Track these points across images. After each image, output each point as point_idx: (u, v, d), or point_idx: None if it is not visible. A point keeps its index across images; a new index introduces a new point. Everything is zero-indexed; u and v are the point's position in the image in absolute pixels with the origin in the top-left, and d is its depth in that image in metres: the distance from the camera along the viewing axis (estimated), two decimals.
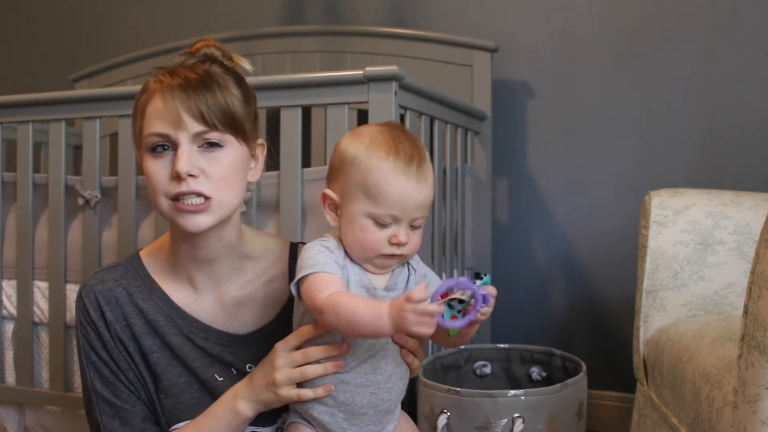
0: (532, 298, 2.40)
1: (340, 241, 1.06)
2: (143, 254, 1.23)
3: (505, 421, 1.47)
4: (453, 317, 0.95)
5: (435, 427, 1.51)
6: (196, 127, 1.08)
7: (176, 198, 1.08)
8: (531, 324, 2.39)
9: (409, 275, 1.08)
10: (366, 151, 1.02)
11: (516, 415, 1.47)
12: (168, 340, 1.16)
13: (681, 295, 1.61)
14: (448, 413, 1.51)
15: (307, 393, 1.05)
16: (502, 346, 1.85)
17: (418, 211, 1.02)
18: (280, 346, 1.08)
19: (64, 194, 1.77)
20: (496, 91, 2.36)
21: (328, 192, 1.06)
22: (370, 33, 2.51)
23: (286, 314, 1.18)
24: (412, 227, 1.03)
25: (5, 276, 1.88)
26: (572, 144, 2.34)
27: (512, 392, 1.48)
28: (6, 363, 1.88)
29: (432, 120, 1.81)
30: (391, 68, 1.48)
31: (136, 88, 1.83)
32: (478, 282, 0.96)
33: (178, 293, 1.19)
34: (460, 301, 0.94)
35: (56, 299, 1.78)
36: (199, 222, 1.09)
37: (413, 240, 1.03)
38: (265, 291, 1.20)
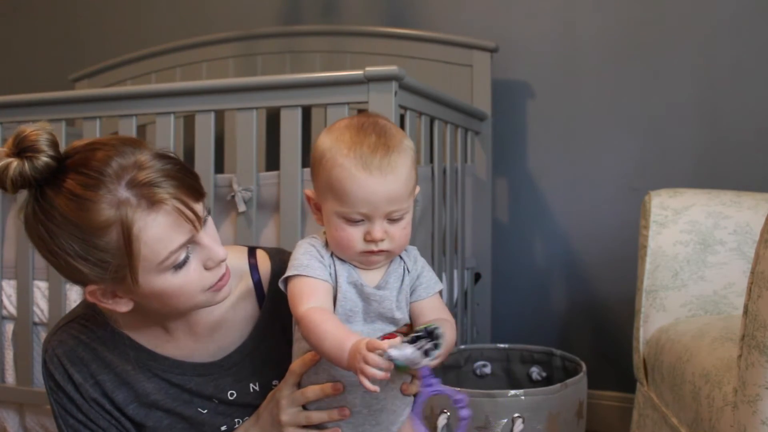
0: (532, 298, 2.40)
1: None
2: None
3: (505, 421, 1.47)
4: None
5: (435, 427, 1.51)
6: (199, 207, 0.98)
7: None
8: (531, 324, 2.39)
9: (404, 275, 1.06)
10: (331, 149, 0.99)
11: (516, 415, 1.47)
12: (141, 389, 1.11)
13: (681, 295, 1.61)
14: (448, 413, 1.51)
15: None
16: (502, 346, 1.85)
17: (388, 205, 0.97)
18: (282, 385, 1.05)
19: None
20: (496, 91, 2.36)
21: (308, 192, 1.05)
22: (370, 33, 2.52)
23: (260, 329, 1.14)
24: (391, 221, 0.99)
25: (5, 276, 1.88)
26: (572, 144, 2.34)
27: (512, 392, 1.49)
28: (6, 363, 1.88)
29: (432, 120, 1.81)
30: (391, 68, 1.48)
31: (136, 88, 1.83)
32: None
33: (146, 335, 1.12)
34: (418, 338, 0.91)
35: (56, 299, 1.78)
36: (227, 291, 1.06)
37: (395, 234, 0.99)
38: (235, 311, 1.14)
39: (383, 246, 0.99)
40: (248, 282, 1.15)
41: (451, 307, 2.00)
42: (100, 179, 0.90)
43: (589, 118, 2.32)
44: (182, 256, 0.96)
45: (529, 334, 2.34)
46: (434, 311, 1.05)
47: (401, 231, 1.00)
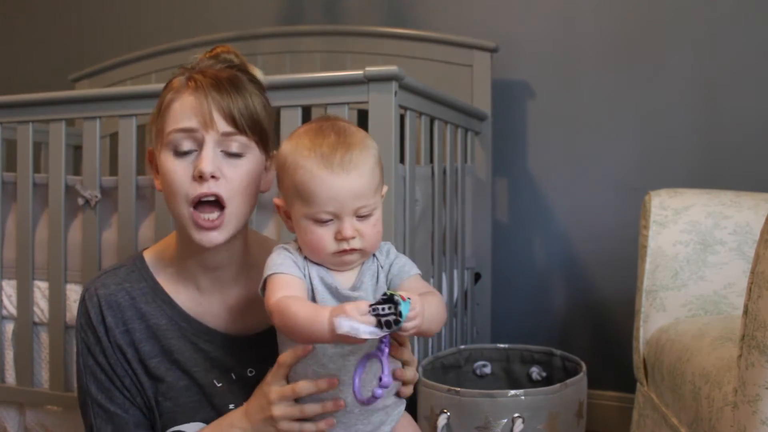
0: (532, 298, 2.40)
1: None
2: (147, 255, 1.22)
3: (505, 421, 1.47)
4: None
5: (435, 427, 1.51)
6: (225, 127, 1.09)
7: (196, 204, 1.08)
8: (531, 324, 2.39)
9: (378, 272, 1.05)
10: (292, 153, 1.00)
11: (516, 415, 1.47)
12: (168, 345, 1.16)
13: (681, 295, 1.61)
14: (448, 413, 1.51)
15: (309, 427, 1.03)
16: (502, 346, 1.85)
17: (354, 201, 0.97)
18: (270, 380, 1.06)
19: (64, 194, 1.77)
20: (496, 91, 2.36)
21: (277, 201, 1.06)
22: (370, 33, 2.51)
23: None
24: (360, 217, 0.99)
25: (5, 276, 1.88)
26: (572, 144, 2.34)
27: (512, 392, 1.49)
28: (6, 363, 1.88)
29: (432, 120, 1.81)
30: (391, 68, 1.48)
31: (136, 88, 1.83)
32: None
33: (183, 296, 1.18)
34: (384, 302, 0.87)
35: (56, 299, 1.78)
36: (214, 238, 1.09)
37: (365, 231, 0.99)
38: None
39: (355, 244, 0.99)
40: None
41: (451, 307, 2.00)
42: (191, 71, 1.15)
43: (589, 118, 2.32)
44: (181, 140, 1.08)
45: (529, 334, 2.34)
46: (415, 290, 1.01)
47: (372, 228, 1.00)
